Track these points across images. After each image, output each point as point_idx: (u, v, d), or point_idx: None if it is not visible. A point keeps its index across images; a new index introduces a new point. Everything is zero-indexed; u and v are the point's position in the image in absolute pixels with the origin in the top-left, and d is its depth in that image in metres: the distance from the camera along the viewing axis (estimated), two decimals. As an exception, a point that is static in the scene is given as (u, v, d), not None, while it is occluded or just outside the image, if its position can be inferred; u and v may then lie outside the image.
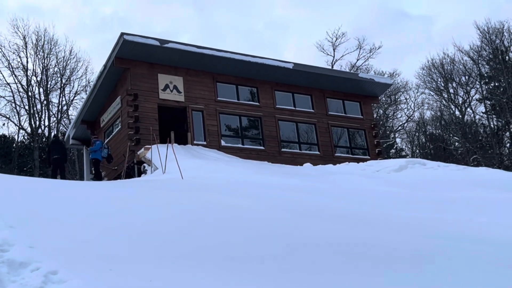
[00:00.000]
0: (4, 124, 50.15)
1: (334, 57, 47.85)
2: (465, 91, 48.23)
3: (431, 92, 50.26)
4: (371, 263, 6.42)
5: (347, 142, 26.60)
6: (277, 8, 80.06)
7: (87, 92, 30.44)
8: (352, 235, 7.73)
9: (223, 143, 22.91)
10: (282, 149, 24.42)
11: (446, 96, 49.25)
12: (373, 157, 26.07)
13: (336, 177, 15.91)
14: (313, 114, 26.12)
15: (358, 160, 23.30)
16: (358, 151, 26.74)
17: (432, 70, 49.40)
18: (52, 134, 41.42)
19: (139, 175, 19.56)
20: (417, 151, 52.60)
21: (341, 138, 26.53)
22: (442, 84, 49.23)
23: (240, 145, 23.46)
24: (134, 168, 20.61)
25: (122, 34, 21.17)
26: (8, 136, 43.04)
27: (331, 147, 25.81)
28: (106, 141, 23.73)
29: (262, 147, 23.98)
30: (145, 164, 19.33)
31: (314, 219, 8.63)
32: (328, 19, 72.88)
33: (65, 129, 39.98)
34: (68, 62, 44.24)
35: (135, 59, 21.90)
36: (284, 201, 10.14)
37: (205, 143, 22.26)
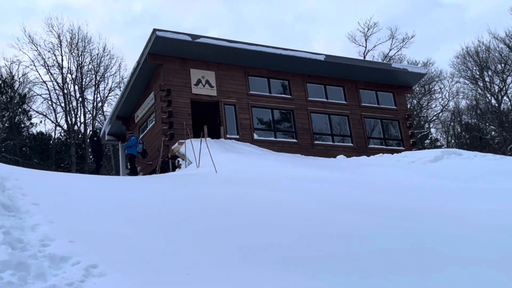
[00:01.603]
0: (41, 122, 51.23)
1: (366, 47, 47.40)
2: (501, 79, 47.18)
3: (466, 81, 49.34)
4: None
5: (381, 133, 26.33)
6: (307, 0, 79.67)
7: (121, 89, 30.77)
8: (405, 230, 7.55)
9: (255, 136, 22.84)
10: (315, 142, 24.26)
11: (481, 84, 48.28)
12: (407, 148, 25.54)
13: (371, 168, 15.76)
14: (346, 105, 25.89)
15: (392, 151, 22.75)
16: (392, 142, 26.43)
17: (467, 58, 48.45)
18: (89, 130, 41.99)
19: (173, 170, 19.67)
20: (453, 141, 51.74)
21: (374, 130, 26.26)
22: (478, 73, 48.27)
23: (272, 138, 23.34)
24: (169, 163, 20.69)
25: (155, 30, 21.25)
26: (45, 133, 43.87)
27: (364, 139, 25.53)
28: (140, 137, 23.75)
29: (294, 140, 23.81)
30: (179, 159, 19.43)
31: (356, 213, 8.56)
32: (358, 10, 72.18)
33: (100, 125, 40.52)
34: (102, 59, 44.84)
35: (168, 54, 21.93)
36: (320, 194, 10.03)
37: (237, 136, 22.25)
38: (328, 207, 8.79)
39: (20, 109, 42.33)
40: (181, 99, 21.98)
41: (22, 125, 42.55)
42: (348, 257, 6.27)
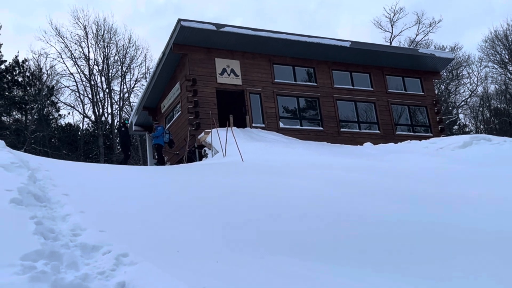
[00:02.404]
0: (69, 113, 51.95)
1: (392, 33, 46.88)
2: (531, 62, 46.21)
3: (495, 65, 48.49)
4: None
5: (408, 120, 26.07)
6: (331, -14, 78.83)
7: (147, 79, 30.82)
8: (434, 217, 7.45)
9: (281, 125, 22.73)
10: (341, 129, 24.14)
11: (511, 68, 47.32)
12: (435, 134, 25.43)
13: (398, 155, 15.60)
14: (372, 92, 25.66)
15: (420, 138, 22.64)
16: (419, 128, 26.17)
17: (496, 42, 47.61)
18: (116, 121, 42.33)
19: (200, 159, 19.70)
20: (481, 126, 50.94)
21: (401, 116, 26.02)
22: (507, 57, 47.37)
23: (298, 127, 23.26)
24: (196, 152, 20.75)
25: (179, 20, 21.27)
26: (73, 124, 44.50)
27: (391, 126, 25.34)
28: (167, 127, 23.93)
29: (320, 128, 23.75)
30: (205, 148, 19.50)
31: (385, 201, 8.46)
32: (384, -5, 70.95)
33: (127, 116, 40.75)
34: (128, 50, 45.31)
35: (193, 44, 22.04)
36: (347, 181, 9.98)
37: (263, 125, 22.21)
38: (355, 195, 8.73)
39: (48, 101, 42.97)
40: (206, 88, 22.01)
41: (51, 117, 43.19)
42: (375, 245, 6.24)
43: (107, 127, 43.06)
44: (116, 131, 38.18)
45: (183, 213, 7.49)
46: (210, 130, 19.44)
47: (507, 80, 47.94)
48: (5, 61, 41.40)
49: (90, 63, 43.68)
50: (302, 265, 5.54)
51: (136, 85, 45.21)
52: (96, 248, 5.61)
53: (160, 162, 21.47)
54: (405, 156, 15.41)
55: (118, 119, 42.17)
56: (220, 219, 7.13)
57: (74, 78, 44.54)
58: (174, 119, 23.82)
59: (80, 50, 44.46)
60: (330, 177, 10.43)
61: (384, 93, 25.78)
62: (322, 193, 8.61)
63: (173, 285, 4.57)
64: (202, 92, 21.74)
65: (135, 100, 43.48)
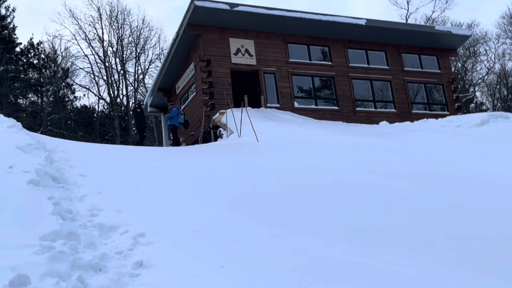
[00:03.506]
0: (85, 95, 52.18)
1: (408, 10, 46.22)
2: (550, 39, 45.40)
3: (513, 41, 47.63)
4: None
5: (425, 98, 25.73)
6: (346, -36, 77.75)
7: (162, 60, 30.34)
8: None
9: (296, 104, 22.56)
10: (357, 109, 23.89)
11: (529, 45, 46.55)
12: (452, 113, 24.85)
13: (415, 134, 15.47)
14: (388, 70, 25.22)
15: (436, 117, 22.18)
16: (436, 107, 25.88)
17: (514, 18, 46.71)
18: (131, 102, 42.36)
19: (215, 140, 19.75)
20: (499, 104, 50.33)
21: (418, 94, 25.60)
22: (525, 33, 46.54)
23: (313, 106, 23.08)
24: (211, 133, 20.80)
25: (193, 0, 21.22)
26: (89, 106, 44.65)
27: (407, 104, 24.99)
28: (182, 108, 23.82)
29: (336, 107, 23.50)
30: (220, 129, 19.63)
31: (402, 180, 8.29)
32: (400, -29, 69.77)
33: (142, 97, 40.59)
34: (142, 31, 45.03)
35: (206, 24, 21.81)
36: (367, 161, 9.91)
37: (278, 105, 22.03)
38: (373, 175, 8.61)
39: (63, 83, 43.17)
40: (221, 69, 21.81)
41: (66, 99, 43.43)
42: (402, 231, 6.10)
43: (122, 108, 43.13)
44: (131, 112, 37.99)
45: (200, 193, 7.50)
46: (224, 111, 19.50)
47: (526, 57, 47.18)
48: (20, 43, 41.62)
49: (104, 45, 43.62)
50: (336, 246, 5.46)
51: (150, 67, 45.08)
52: (113, 228, 5.67)
53: (176, 143, 21.52)
54: (422, 134, 15.30)
55: (133, 101, 42.28)
56: (237, 200, 7.13)
57: (89, 60, 44.56)
58: (189, 100, 23.70)
59: (94, 31, 44.64)
60: (349, 157, 10.40)
61: (400, 71, 25.39)
62: (346, 174, 8.51)
63: (190, 263, 4.63)
64: (217, 73, 21.56)
65: (149, 81, 43.23)
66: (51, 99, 40.68)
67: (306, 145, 12.31)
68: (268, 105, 22.01)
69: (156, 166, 9.46)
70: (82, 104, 44.37)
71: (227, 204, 6.88)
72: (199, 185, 7.90)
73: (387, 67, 25.34)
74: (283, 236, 5.65)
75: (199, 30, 22.03)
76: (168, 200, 7.04)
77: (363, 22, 24.04)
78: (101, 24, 43.94)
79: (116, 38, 44.22)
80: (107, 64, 43.58)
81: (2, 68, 36.73)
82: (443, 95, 26.12)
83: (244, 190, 7.57)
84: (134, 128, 36.97)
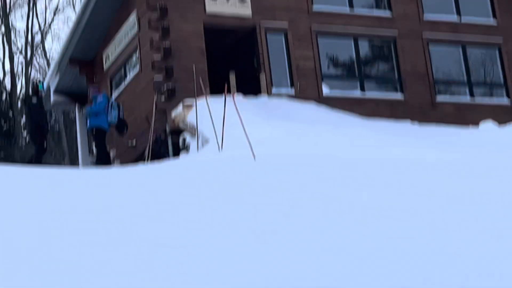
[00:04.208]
0: None
1: None
2: None
3: None
4: None
5: None
6: None
7: (77, 10, 25.61)
8: None
9: (325, 90, 17.53)
10: (438, 98, 18.23)
11: None
12: None
13: None
14: (496, 28, 18.80)
15: None
16: None
17: None
18: (20, 86, 34.39)
19: (175, 155, 16.15)
20: None
21: None
22: None
23: (357, 94, 17.88)
24: (167, 143, 16.71)
25: None
26: None
27: None
28: (114, 96, 18.69)
29: (399, 95, 18.15)
30: (186, 135, 16.24)
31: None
32: None
33: (40, 78, 32.88)
34: None
35: None
36: (457, 197, 7.44)
37: (292, 91, 17.26)
38: (476, 221, 6.20)
39: None
40: (187, 24, 16.76)
41: None
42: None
43: (4, 97, 32.99)
44: (20, 103, 30.24)
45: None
46: (193, 102, 15.39)
47: None
48: None
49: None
50: None
51: (56, 20, 35.61)
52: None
53: (102, 159, 16.83)
54: None
55: (23, 83, 34.17)
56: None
57: None
58: (127, 81, 18.55)
59: None
60: (428, 189, 7.84)
61: None
62: (430, 221, 6.22)
63: None
64: (179, 32, 16.66)
65: (55, 47, 34.74)
66: None
67: (347, 165, 9.79)
68: (274, 90, 17.33)
69: (60, 205, 6.59)
70: None
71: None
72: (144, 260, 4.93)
73: (494, 22, 19.12)
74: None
75: (147, -49, 18.17)
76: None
77: None
78: None
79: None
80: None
81: None
82: None
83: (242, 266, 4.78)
84: (26, 132, 29.56)
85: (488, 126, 16.15)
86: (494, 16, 19.15)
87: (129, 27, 17.91)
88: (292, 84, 17.29)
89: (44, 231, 5.74)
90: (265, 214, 6.68)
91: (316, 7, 17.58)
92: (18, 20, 36.01)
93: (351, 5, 18.17)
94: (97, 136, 16.44)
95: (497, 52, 19.03)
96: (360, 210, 6.94)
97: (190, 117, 15.36)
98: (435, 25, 18.48)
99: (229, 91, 13.52)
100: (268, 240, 5.69)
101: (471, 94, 18.74)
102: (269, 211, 6.84)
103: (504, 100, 18.70)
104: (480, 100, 18.72)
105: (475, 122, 16.62)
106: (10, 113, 33.53)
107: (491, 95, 19.17)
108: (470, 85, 18.91)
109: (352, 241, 5.70)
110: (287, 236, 5.83)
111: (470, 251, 5.49)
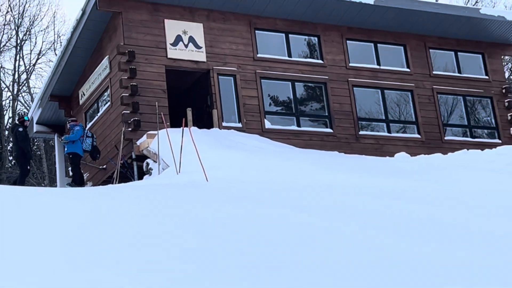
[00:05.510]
0: None
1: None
2: None
3: None
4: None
5: (464, 119, 22.06)
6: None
7: (58, 52, 26.78)
8: None
9: (267, 124, 19.36)
10: (360, 132, 20.36)
11: None
12: (506, 141, 21.27)
13: (450, 173, 13.64)
14: (409, 75, 21.08)
15: (482, 147, 19.11)
16: (481, 132, 22.30)
17: None
18: (7, 117, 35.99)
19: (140, 177, 17.52)
20: None
21: (453, 112, 22.01)
22: None
23: (294, 127, 19.79)
24: (133, 167, 18.18)
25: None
26: None
27: (438, 127, 21.26)
28: (88, 127, 20.22)
29: (329, 129, 20.09)
30: (149, 160, 17.46)
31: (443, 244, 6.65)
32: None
33: (25, 110, 34.76)
34: (27, 6, 36.79)
35: (130, -2, 19.57)
36: (378, 215, 8.41)
37: (240, 125, 19.08)
38: (399, 237, 6.87)
39: None
40: (151, 67, 18.44)
41: None
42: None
43: None
44: (8, 132, 32.90)
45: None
46: (156, 132, 16.88)
47: None
48: None
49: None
50: None
51: (39, 62, 38.07)
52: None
53: (77, 181, 18.64)
54: (460, 174, 13.71)
55: (10, 114, 35.60)
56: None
57: None
58: (99, 114, 20.18)
59: None
60: (354, 209, 9.03)
61: (427, 77, 21.50)
62: (375, 243, 6.56)
63: None
64: (144, 73, 18.25)
65: (37, 84, 37.19)
66: None
67: (285, 188, 11.06)
68: (224, 124, 19.09)
69: (40, 221, 7.02)
70: None
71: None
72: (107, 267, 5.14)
73: (408, 70, 21.53)
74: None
75: (117, 5, 18.62)
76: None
77: (371, 1, 20.35)
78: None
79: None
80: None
81: None
82: (492, 113, 22.56)
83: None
84: (12, 157, 31.26)
85: (402, 156, 17.90)
86: (408, 65, 21.39)
87: (102, 68, 19.61)
88: (239, 119, 19.02)
89: (29, 227, 6.38)
90: (213, 224, 7.38)
91: (260, 55, 19.52)
92: (6, 61, 38.53)
93: (289, 53, 20.03)
94: (73, 160, 18.45)
95: (410, 95, 21.18)
96: (304, 230, 7.21)
97: (153, 145, 16.99)
98: (359, 72, 20.60)
99: (186, 125, 15.60)
100: (215, 240, 6.20)
101: (388, 130, 20.80)
102: (217, 225, 7.42)
103: (416, 135, 20.76)
104: (396, 134, 20.77)
105: (392, 153, 18.52)
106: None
107: (404, 130, 21.13)
108: (388, 122, 20.99)
109: (292, 253, 5.88)
110: (229, 238, 6.36)
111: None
